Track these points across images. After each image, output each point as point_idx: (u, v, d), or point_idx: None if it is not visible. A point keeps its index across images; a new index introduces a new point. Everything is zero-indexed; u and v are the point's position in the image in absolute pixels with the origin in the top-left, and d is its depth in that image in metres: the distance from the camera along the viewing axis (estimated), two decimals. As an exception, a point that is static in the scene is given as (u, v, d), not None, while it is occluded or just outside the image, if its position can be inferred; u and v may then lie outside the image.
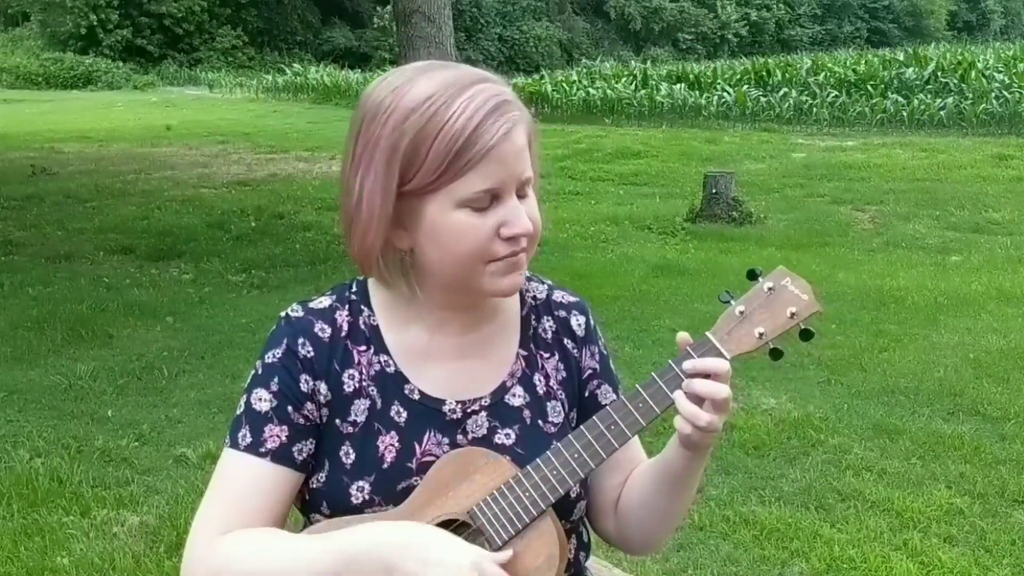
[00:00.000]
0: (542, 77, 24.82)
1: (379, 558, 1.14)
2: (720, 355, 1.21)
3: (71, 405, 4.62)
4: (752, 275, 1.26)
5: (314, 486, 1.27)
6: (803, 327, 1.23)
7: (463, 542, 1.15)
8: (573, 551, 1.33)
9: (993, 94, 16.99)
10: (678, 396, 1.20)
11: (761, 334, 1.22)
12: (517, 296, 1.37)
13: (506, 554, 1.18)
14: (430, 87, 1.18)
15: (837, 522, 3.47)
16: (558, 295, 1.40)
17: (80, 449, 4.08)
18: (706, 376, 1.20)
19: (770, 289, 1.24)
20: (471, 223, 1.19)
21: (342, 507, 1.24)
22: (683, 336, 1.23)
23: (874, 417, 4.44)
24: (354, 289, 1.34)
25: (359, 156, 1.21)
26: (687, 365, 1.21)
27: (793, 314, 1.23)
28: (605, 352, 1.41)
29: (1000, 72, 18.75)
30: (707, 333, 1.23)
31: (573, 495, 1.28)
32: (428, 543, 1.14)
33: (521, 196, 1.22)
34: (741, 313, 1.23)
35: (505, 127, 1.17)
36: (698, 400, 1.19)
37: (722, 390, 1.18)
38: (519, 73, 31.06)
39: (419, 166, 1.17)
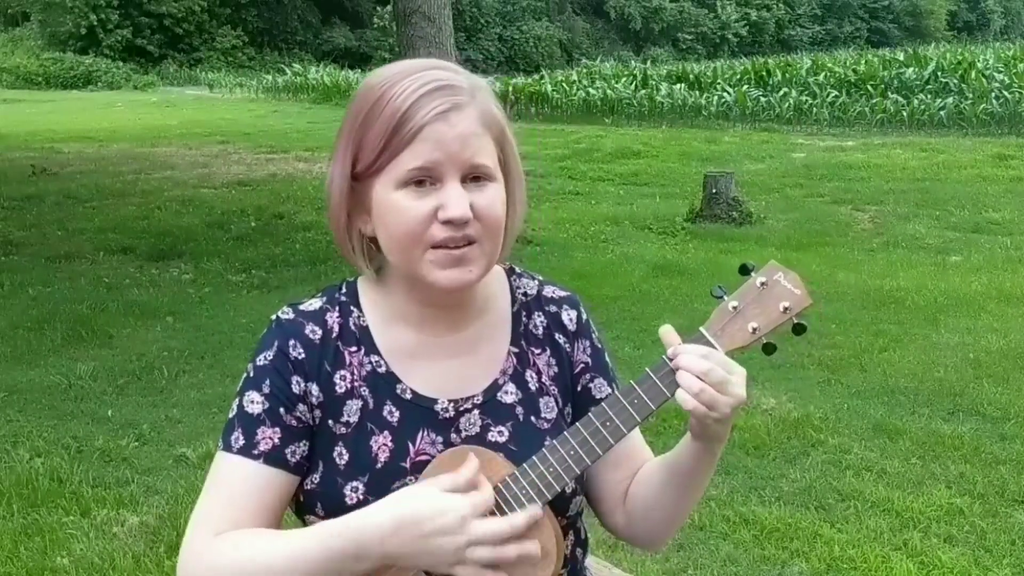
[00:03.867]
0: (542, 77, 24.81)
1: (376, 549, 1.14)
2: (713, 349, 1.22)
3: (71, 405, 4.62)
4: (744, 270, 1.26)
5: (308, 487, 1.27)
6: (796, 321, 1.23)
7: (444, 497, 1.14)
8: (570, 547, 1.33)
9: (993, 94, 17.00)
10: (680, 373, 1.18)
11: (754, 329, 1.22)
12: (508, 293, 1.37)
13: (486, 492, 1.17)
14: (383, 75, 1.24)
15: (837, 522, 3.47)
16: (548, 290, 1.40)
17: (80, 449, 4.08)
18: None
19: (763, 284, 1.24)
20: (409, 204, 1.20)
21: (336, 508, 1.23)
22: (666, 329, 1.23)
23: (874, 417, 4.44)
24: (343, 291, 1.34)
25: (334, 146, 1.27)
26: (670, 352, 1.21)
27: (786, 308, 1.23)
28: (599, 345, 1.40)
29: (1000, 72, 18.76)
30: (700, 328, 1.23)
31: (568, 491, 1.27)
32: (415, 517, 1.13)
33: (473, 183, 1.21)
34: (734, 308, 1.23)
35: (440, 107, 1.18)
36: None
37: (697, 363, 1.17)
38: (519, 73, 31.06)
39: (365, 148, 1.21)
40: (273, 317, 1.31)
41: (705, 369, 1.17)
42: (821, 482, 3.77)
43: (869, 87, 19.08)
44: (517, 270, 1.40)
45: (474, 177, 1.21)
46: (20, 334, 5.65)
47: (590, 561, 1.42)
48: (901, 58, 23.19)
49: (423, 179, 1.19)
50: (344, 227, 1.28)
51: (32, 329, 5.72)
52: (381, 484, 1.23)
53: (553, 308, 1.38)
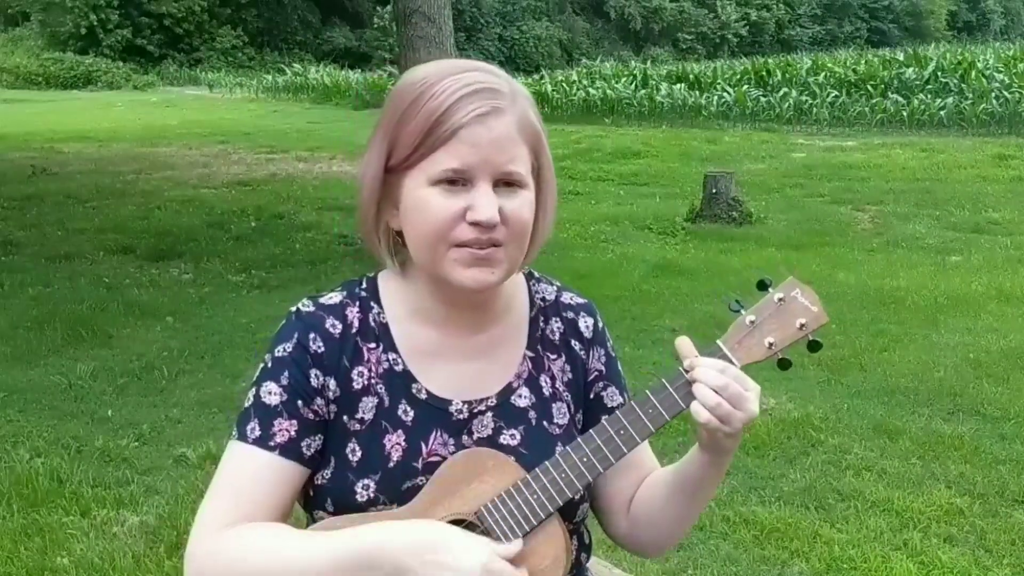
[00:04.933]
0: (542, 77, 24.84)
1: (390, 559, 1.14)
2: (730, 363, 1.23)
3: (71, 405, 4.62)
4: (762, 285, 1.27)
5: (319, 483, 1.27)
6: (811, 338, 1.25)
7: (473, 540, 1.15)
8: (575, 552, 1.34)
9: (993, 94, 17.00)
10: (696, 386, 1.19)
11: (771, 344, 1.24)
12: (526, 298, 1.37)
13: (515, 545, 1.19)
14: (425, 71, 1.24)
15: (837, 522, 3.47)
16: (566, 297, 1.40)
17: (80, 449, 4.08)
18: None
19: (780, 300, 1.25)
20: (439, 201, 1.20)
21: (346, 505, 1.24)
22: (683, 340, 1.23)
23: (874, 417, 4.44)
24: (364, 286, 1.34)
25: (369, 139, 1.27)
26: (687, 364, 1.21)
27: (803, 325, 1.24)
28: (613, 354, 1.41)
29: (1000, 72, 18.76)
30: (718, 341, 1.24)
31: (577, 497, 1.28)
32: (439, 545, 1.14)
33: (505, 188, 1.22)
34: (752, 323, 1.24)
35: (480, 110, 1.19)
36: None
37: (714, 377, 1.18)
38: (519, 73, 31.01)
39: (400, 142, 1.22)
40: (293, 309, 1.31)
41: (722, 383, 1.18)
42: (821, 482, 3.77)
43: (869, 87, 19.08)
44: (536, 275, 1.41)
45: (506, 183, 1.22)
46: (20, 334, 5.65)
47: (591, 562, 1.43)
48: (901, 58, 23.18)
49: (456, 179, 1.20)
50: (373, 219, 1.28)
51: (32, 329, 5.72)
52: (392, 483, 1.24)
53: (570, 315, 1.39)
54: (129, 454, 4.05)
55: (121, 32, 36.01)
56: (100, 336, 5.64)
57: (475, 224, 1.19)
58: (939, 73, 19.32)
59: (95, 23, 35.35)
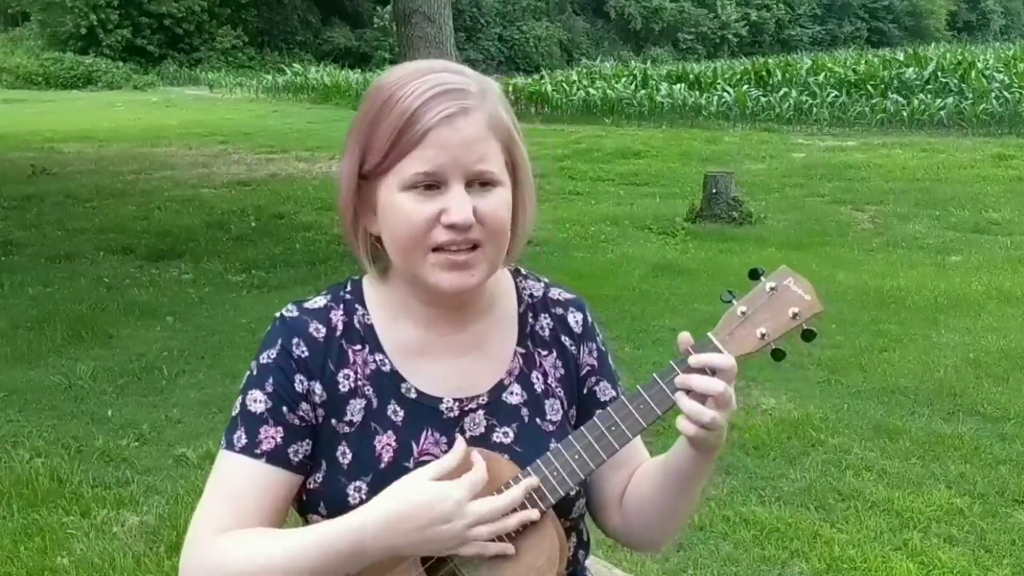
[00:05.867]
0: (542, 77, 24.84)
1: (374, 544, 1.15)
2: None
3: (71, 405, 4.62)
4: (754, 274, 1.25)
5: (311, 487, 1.27)
6: (805, 327, 1.22)
7: (440, 486, 1.16)
8: (572, 549, 1.33)
9: (993, 94, 17.00)
10: (679, 396, 1.19)
11: (763, 334, 1.21)
12: (514, 293, 1.37)
13: (479, 471, 1.19)
14: (395, 75, 1.24)
15: (837, 522, 3.47)
16: (554, 292, 1.40)
17: (80, 449, 4.07)
18: (705, 372, 1.19)
19: (772, 289, 1.23)
20: (413, 207, 1.20)
21: (339, 508, 1.23)
22: (684, 336, 1.22)
23: (874, 417, 4.44)
24: (348, 288, 1.34)
25: (345, 144, 1.27)
26: (691, 360, 1.20)
27: (795, 314, 1.22)
28: (603, 348, 1.40)
29: (1000, 72, 18.76)
30: (708, 334, 1.22)
31: (572, 494, 1.28)
32: (411, 509, 1.14)
33: (479, 187, 1.21)
34: (743, 313, 1.22)
35: (447, 110, 1.18)
36: (700, 398, 1.19)
37: (717, 385, 1.17)
38: (519, 73, 31.09)
39: (372, 148, 1.21)
40: (277, 315, 1.31)
41: (721, 391, 1.18)
42: (821, 482, 3.77)
43: (869, 87, 19.09)
44: (523, 271, 1.41)
45: (480, 182, 1.21)
46: (20, 334, 5.65)
47: (590, 561, 1.42)
48: (901, 58, 23.18)
49: (428, 183, 1.19)
50: (351, 224, 1.28)
51: (32, 329, 5.72)
52: (384, 484, 1.23)
53: (559, 310, 1.38)
54: (129, 454, 4.05)
55: (121, 32, 36.04)
56: (100, 336, 5.64)
57: (450, 227, 1.19)
58: (939, 73, 19.32)
59: (95, 23, 35.38)
